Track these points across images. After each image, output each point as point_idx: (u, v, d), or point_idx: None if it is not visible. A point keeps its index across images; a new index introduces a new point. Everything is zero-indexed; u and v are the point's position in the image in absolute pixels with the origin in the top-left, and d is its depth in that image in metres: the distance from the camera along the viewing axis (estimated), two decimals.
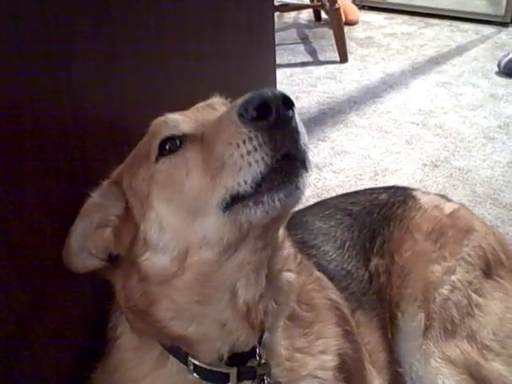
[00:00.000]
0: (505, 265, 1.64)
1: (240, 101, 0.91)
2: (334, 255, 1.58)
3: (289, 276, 1.11)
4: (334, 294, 1.41)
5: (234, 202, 0.91)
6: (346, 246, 1.62)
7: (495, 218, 2.53)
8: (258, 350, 1.06)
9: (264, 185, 0.89)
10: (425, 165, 2.98)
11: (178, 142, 1.02)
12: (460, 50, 4.47)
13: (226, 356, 1.02)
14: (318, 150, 3.14)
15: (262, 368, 1.06)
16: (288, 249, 1.13)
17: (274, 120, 0.88)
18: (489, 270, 1.61)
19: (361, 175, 2.91)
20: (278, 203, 0.89)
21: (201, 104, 1.17)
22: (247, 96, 0.90)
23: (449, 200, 1.80)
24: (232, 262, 0.97)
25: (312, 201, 2.32)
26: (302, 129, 0.93)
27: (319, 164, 3.00)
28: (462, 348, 1.49)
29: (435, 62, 4.28)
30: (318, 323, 1.21)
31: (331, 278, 1.47)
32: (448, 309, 1.52)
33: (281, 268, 1.08)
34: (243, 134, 0.89)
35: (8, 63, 1.01)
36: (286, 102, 0.89)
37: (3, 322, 1.06)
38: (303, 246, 1.53)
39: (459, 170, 2.92)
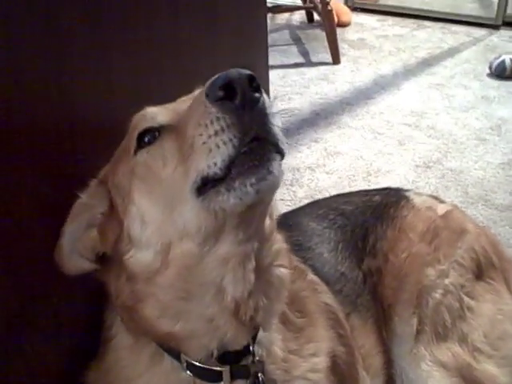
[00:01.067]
0: (496, 266, 1.65)
1: (208, 81, 0.91)
2: (328, 257, 1.58)
3: (280, 272, 1.09)
4: (329, 299, 1.40)
5: (206, 186, 0.90)
6: (340, 248, 1.61)
7: (487, 219, 2.54)
8: (251, 348, 1.05)
9: (234, 169, 0.88)
10: (417, 166, 2.99)
11: (156, 134, 1.02)
12: (452, 52, 4.48)
13: (215, 353, 1.01)
14: (311, 150, 3.14)
15: (256, 366, 1.05)
16: (279, 243, 1.11)
17: (239, 101, 0.87)
18: (480, 272, 1.61)
19: (354, 176, 2.91)
20: (250, 189, 0.87)
21: (183, 97, 1.16)
22: (215, 76, 0.89)
23: (442, 201, 1.81)
24: (214, 254, 0.96)
25: (305, 201, 2.32)
26: (271, 110, 0.91)
27: (312, 165, 3.00)
28: (454, 351, 1.49)
29: (427, 63, 4.29)
30: (308, 328, 1.20)
31: (326, 282, 1.46)
32: (440, 313, 1.52)
33: (271, 262, 1.06)
34: (211, 115, 0.88)
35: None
36: (252, 83, 0.88)
37: None
38: (299, 249, 1.52)
39: (451, 171, 2.93)
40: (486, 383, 1.46)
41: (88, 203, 1.10)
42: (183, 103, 1.09)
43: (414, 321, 1.52)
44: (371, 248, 1.63)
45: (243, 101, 0.87)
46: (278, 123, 0.93)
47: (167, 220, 0.97)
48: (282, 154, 0.93)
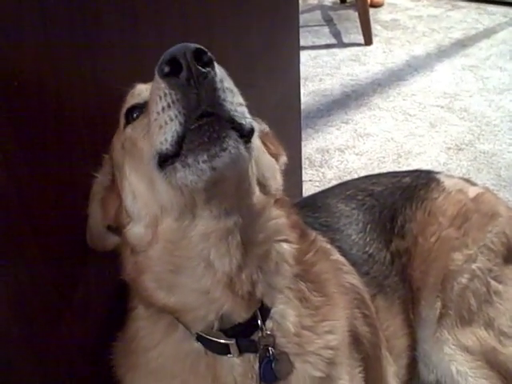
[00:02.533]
0: None
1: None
2: (357, 239, 1.57)
3: (281, 247, 1.07)
4: (355, 279, 1.40)
5: (167, 162, 0.90)
6: (368, 229, 1.61)
7: None
8: (259, 322, 1.04)
9: (185, 146, 0.87)
10: (449, 148, 2.95)
11: (143, 110, 1.03)
12: (487, 33, 4.39)
13: (216, 325, 1.02)
14: (340, 132, 3.13)
15: (266, 340, 1.05)
16: (278, 218, 1.08)
17: (185, 77, 0.86)
18: (510, 256, 1.60)
19: (384, 158, 2.90)
20: (203, 165, 0.86)
21: None
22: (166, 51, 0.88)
23: (473, 184, 1.78)
24: (195, 229, 0.96)
25: (334, 183, 2.31)
26: (224, 85, 0.89)
27: (342, 146, 3.00)
28: (479, 335, 1.48)
29: (462, 44, 4.21)
30: (326, 306, 1.18)
31: (353, 263, 1.46)
32: (465, 297, 1.51)
33: (267, 237, 1.04)
34: (160, 90, 0.88)
35: (35, 52, 1.03)
36: (201, 58, 0.86)
37: (29, 301, 1.08)
38: (327, 230, 1.52)
39: (484, 153, 2.89)
40: (511, 366, 1.46)
41: (102, 181, 1.14)
42: None
43: (438, 305, 1.52)
44: (399, 229, 1.62)
45: (189, 76, 0.86)
46: (232, 98, 0.90)
47: (151, 195, 0.98)
48: (241, 130, 0.91)
